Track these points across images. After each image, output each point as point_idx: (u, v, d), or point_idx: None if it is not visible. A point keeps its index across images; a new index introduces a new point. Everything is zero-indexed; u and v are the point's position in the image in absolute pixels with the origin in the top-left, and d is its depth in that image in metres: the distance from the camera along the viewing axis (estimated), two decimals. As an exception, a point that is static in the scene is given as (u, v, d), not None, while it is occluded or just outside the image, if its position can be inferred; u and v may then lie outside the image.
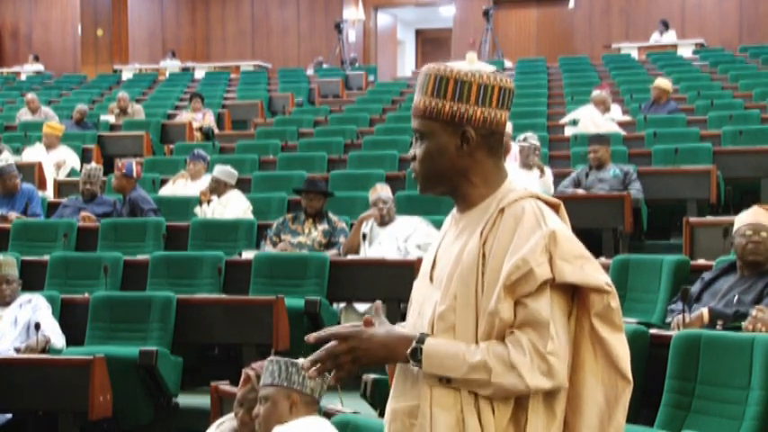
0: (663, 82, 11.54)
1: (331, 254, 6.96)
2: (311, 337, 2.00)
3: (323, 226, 7.29)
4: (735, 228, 4.80)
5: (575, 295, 1.96)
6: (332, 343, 1.97)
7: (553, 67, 15.79)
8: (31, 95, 14.11)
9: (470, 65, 2.05)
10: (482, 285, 1.94)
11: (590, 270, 1.94)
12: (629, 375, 1.95)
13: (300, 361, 3.52)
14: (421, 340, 1.93)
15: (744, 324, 4.19)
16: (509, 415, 1.92)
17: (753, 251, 4.66)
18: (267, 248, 7.25)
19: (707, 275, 4.88)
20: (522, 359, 1.87)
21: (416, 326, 2.04)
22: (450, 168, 2.03)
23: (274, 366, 3.48)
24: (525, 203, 1.97)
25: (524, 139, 8.43)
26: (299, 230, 7.29)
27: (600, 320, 1.94)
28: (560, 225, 1.97)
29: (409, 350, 1.93)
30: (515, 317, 1.91)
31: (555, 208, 2.03)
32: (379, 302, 2.07)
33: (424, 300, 2.05)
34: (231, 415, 3.86)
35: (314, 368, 1.97)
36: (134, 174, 8.27)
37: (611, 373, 1.95)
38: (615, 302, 1.95)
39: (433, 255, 2.09)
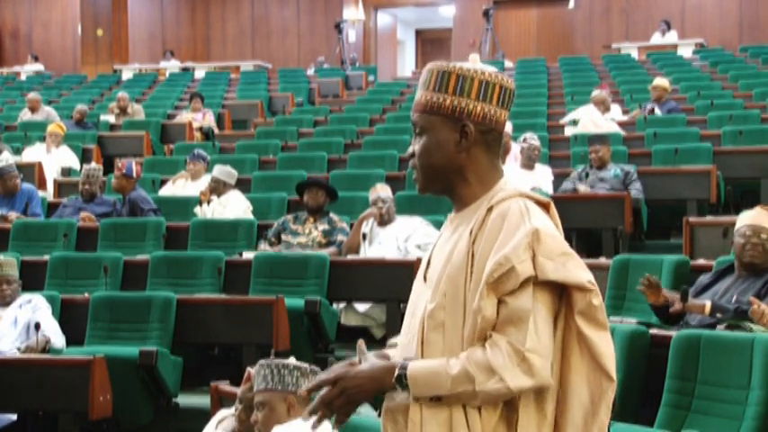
0: (662, 81, 11.57)
1: (330, 252, 6.96)
2: (303, 391, 2.05)
3: (323, 225, 7.29)
4: (736, 227, 4.76)
5: (563, 295, 1.95)
6: (324, 390, 1.99)
7: (553, 67, 15.79)
8: (32, 94, 14.09)
9: (473, 64, 2.06)
10: (470, 284, 1.94)
11: (572, 268, 1.93)
12: (613, 374, 1.94)
13: (291, 361, 3.51)
14: (404, 366, 1.94)
15: (752, 308, 4.17)
16: (498, 415, 1.92)
17: (751, 252, 4.63)
18: (263, 248, 7.24)
19: (704, 279, 4.86)
20: (501, 361, 1.87)
21: (410, 326, 2.05)
22: (448, 164, 2.03)
23: (266, 371, 3.44)
24: (512, 202, 1.97)
25: (525, 140, 8.45)
26: (299, 231, 7.30)
27: (583, 318, 1.93)
28: (545, 222, 1.96)
29: (394, 378, 1.94)
30: (498, 315, 1.91)
31: (545, 207, 2.03)
32: (361, 341, 2.07)
33: (417, 299, 2.06)
34: (232, 410, 3.85)
35: (313, 417, 1.99)
36: (134, 174, 8.26)
37: (595, 371, 1.94)
38: (597, 300, 1.93)
39: (429, 255, 2.10)
